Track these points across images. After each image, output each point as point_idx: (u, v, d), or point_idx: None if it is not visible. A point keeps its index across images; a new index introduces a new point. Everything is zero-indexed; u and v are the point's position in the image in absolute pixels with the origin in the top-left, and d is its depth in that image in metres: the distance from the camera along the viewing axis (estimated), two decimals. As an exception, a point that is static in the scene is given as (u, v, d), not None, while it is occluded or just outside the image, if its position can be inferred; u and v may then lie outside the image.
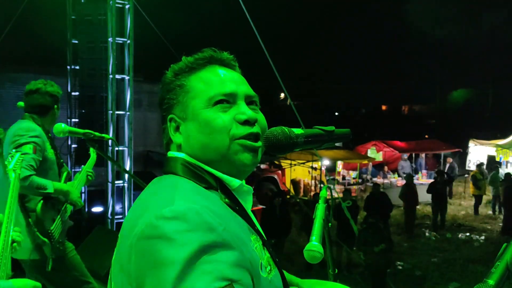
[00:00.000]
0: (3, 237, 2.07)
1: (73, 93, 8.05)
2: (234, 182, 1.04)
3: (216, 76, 1.06)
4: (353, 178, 15.76)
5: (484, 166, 16.18)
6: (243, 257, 0.88)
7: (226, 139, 1.00)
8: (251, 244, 0.95)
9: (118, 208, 7.23)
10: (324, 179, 14.29)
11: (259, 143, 1.03)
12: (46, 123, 3.10)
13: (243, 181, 1.06)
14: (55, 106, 3.15)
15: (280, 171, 14.75)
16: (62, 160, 3.27)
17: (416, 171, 16.85)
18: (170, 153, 1.09)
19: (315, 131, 1.09)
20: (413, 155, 18.27)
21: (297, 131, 1.05)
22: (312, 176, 14.89)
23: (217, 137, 1.00)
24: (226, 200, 1.00)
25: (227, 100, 1.02)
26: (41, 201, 2.89)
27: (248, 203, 1.08)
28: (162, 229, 0.85)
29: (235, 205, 1.01)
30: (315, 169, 14.63)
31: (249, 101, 1.06)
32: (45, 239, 2.87)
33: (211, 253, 0.83)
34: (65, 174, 3.18)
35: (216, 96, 1.02)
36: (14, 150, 2.82)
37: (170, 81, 1.09)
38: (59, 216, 3.01)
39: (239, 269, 0.85)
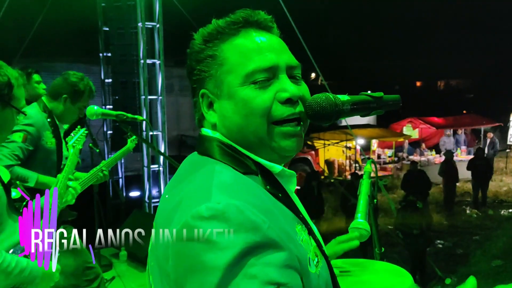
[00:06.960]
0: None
1: (106, 80, 8.15)
2: (275, 168, 0.95)
3: (253, 43, 0.93)
4: (389, 157, 15.48)
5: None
6: (291, 255, 0.80)
7: (265, 122, 0.90)
8: (297, 237, 0.86)
9: (154, 192, 7.33)
10: (359, 158, 14.08)
11: (300, 128, 0.94)
12: (57, 109, 2.96)
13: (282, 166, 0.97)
14: (64, 96, 2.95)
15: (313, 152, 14.57)
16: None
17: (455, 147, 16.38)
18: (204, 131, 0.99)
19: (362, 97, 0.99)
20: (452, 131, 17.73)
21: (343, 97, 0.96)
22: (346, 156, 14.67)
23: (255, 120, 0.90)
24: (268, 187, 0.90)
25: (267, 76, 0.91)
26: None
27: (292, 187, 0.99)
28: (200, 231, 0.77)
29: (278, 192, 0.92)
30: (350, 148, 14.41)
31: (291, 73, 0.95)
32: None
33: (255, 255, 0.75)
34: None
35: (255, 72, 0.91)
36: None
37: (199, 49, 0.96)
38: None
39: (287, 271, 0.77)
